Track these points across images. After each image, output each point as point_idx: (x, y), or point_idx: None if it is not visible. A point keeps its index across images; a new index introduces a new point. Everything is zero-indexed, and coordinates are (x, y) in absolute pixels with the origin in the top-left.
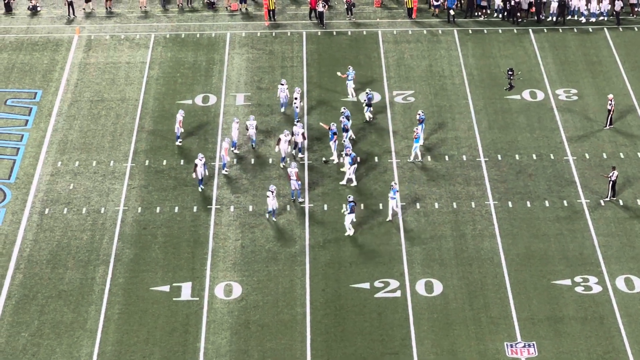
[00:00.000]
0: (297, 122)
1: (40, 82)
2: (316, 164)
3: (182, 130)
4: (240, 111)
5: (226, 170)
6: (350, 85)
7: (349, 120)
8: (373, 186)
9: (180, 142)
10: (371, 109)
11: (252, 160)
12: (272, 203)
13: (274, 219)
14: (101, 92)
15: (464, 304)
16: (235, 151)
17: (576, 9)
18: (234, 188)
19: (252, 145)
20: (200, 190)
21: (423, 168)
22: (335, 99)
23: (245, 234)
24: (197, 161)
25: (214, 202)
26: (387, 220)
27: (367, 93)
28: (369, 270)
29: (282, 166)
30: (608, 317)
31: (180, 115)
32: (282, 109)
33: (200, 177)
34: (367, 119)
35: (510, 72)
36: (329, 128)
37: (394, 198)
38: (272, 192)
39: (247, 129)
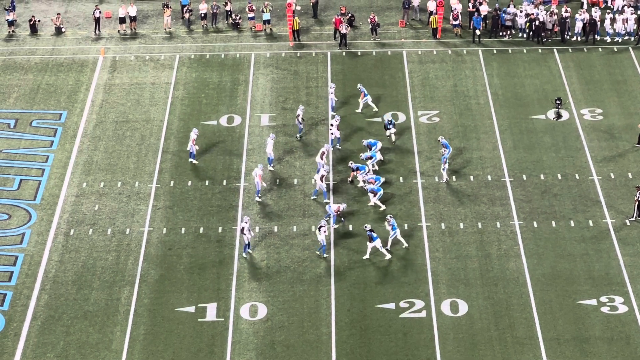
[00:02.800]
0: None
1: (65, 103)
2: (341, 184)
3: (197, 147)
4: (265, 132)
5: (259, 197)
6: (369, 100)
7: (370, 149)
8: (398, 206)
9: (194, 160)
10: (394, 130)
11: (277, 181)
12: (322, 239)
13: (325, 255)
14: (126, 113)
15: (490, 324)
16: (270, 168)
17: (598, 30)
18: (259, 208)
19: (337, 145)
20: (245, 256)
21: (448, 188)
22: (360, 119)
23: (271, 255)
24: (243, 224)
25: (239, 222)
26: (386, 248)
27: (387, 119)
28: (394, 291)
29: (313, 199)
30: (634, 337)
31: (194, 134)
32: (332, 112)
33: (247, 242)
34: (393, 140)
35: (558, 102)
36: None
37: (395, 229)
38: (323, 227)
39: (331, 127)
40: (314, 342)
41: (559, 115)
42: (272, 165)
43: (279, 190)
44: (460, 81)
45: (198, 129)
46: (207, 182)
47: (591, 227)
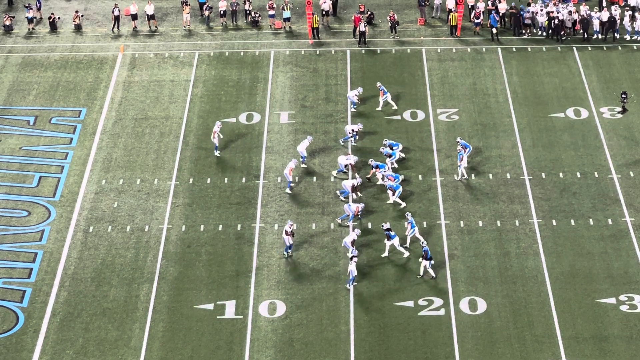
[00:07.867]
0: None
1: (85, 100)
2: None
3: (220, 137)
4: (285, 129)
5: (290, 189)
6: (389, 98)
7: (392, 148)
8: (417, 204)
9: (218, 153)
10: (394, 159)
11: (296, 178)
12: (352, 269)
13: (349, 286)
14: (145, 110)
15: (508, 323)
16: (303, 165)
17: (618, 28)
18: (278, 206)
19: (355, 139)
20: (285, 255)
21: (467, 186)
22: (379, 116)
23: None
24: (288, 228)
25: (257, 220)
26: (405, 245)
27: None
28: (412, 288)
29: (337, 194)
30: None
31: (217, 127)
32: (353, 108)
33: (289, 244)
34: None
35: (624, 95)
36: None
37: (413, 227)
38: (355, 257)
39: (352, 131)
40: (332, 339)
41: (624, 109)
42: (304, 162)
43: (298, 188)
44: (479, 79)
45: (219, 122)
46: (226, 180)
47: (610, 225)
